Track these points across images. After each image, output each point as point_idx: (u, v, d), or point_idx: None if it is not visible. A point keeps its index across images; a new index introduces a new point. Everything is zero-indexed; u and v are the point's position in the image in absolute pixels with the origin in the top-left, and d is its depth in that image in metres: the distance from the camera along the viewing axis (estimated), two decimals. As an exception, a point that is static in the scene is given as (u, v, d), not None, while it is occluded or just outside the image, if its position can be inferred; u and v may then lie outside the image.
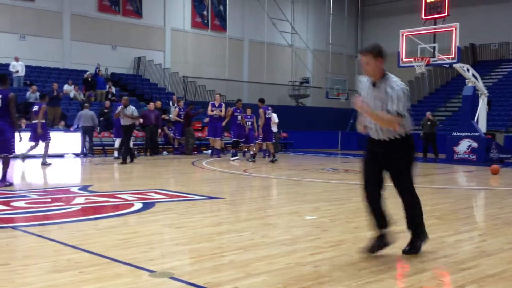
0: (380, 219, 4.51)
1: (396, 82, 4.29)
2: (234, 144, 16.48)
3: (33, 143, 13.42)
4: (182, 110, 18.61)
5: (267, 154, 17.37)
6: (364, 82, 4.50)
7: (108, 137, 18.38)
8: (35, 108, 13.47)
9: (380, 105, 4.28)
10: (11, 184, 8.87)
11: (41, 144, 13.46)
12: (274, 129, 17.05)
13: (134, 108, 14.47)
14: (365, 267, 3.97)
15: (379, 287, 3.50)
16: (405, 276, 3.88)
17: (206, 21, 28.70)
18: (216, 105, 17.15)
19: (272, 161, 15.43)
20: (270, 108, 16.35)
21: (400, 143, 4.40)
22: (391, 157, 4.46)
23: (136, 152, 16.48)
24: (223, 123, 17.22)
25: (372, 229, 4.50)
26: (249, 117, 16.99)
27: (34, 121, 13.44)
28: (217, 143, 17.37)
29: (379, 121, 4.28)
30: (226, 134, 19.90)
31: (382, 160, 4.50)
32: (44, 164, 13.33)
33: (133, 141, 15.46)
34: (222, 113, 16.97)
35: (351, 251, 4.49)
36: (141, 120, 16.80)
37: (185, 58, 27.95)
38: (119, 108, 14.60)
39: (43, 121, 13.23)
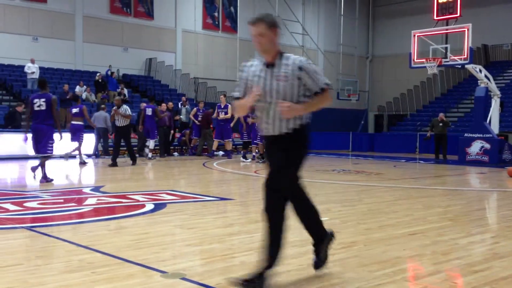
0: (273, 244, 3.58)
1: (299, 58, 3.56)
2: (245, 145, 16.50)
3: (76, 143, 14.43)
4: (201, 111, 18.48)
5: None
6: (252, 66, 3.64)
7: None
8: (75, 110, 14.39)
9: (285, 90, 3.49)
10: (51, 180, 9.66)
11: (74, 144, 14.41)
12: None
13: (127, 107, 14.06)
14: (377, 269, 3.95)
15: (391, 289, 3.48)
16: (418, 278, 3.85)
17: (217, 23, 28.76)
18: (222, 106, 17.10)
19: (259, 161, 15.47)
20: None
21: (294, 136, 3.66)
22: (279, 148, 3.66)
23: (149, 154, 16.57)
24: (232, 124, 17.23)
25: (261, 257, 3.58)
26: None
27: (74, 122, 14.37)
28: (228, 145, 17.37)
29: (314, 108, 3.62)
30: (236, 135, 19.98)
31: None
32: (82, 163, 14.22)
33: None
34: (229, 115, 16.88)
35: (362, 253, 4.47)
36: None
37: (196, 59, 28.03)
38: (113, 109, 14.49)
39: (81, 122, 14.43)
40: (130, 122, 14.18)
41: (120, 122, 13.88)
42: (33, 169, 10.09)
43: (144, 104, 18.34)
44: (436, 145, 19.06)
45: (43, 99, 9.41)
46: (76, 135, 14.26)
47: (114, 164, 13.42)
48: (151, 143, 16.83)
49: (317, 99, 3.58)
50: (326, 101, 3.64)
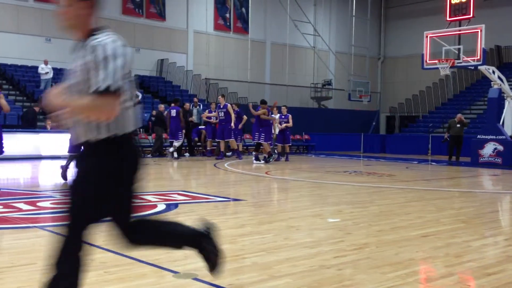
0: None
1: (102, 38, 2.54)
2: (257, 146, 16.49)
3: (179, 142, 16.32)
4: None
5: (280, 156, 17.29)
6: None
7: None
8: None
9: (76, 82, 2.56)
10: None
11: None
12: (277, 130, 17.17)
13: None
14: (389, 271, 3.93)
15: (403, 291, 3.47)
16: (430, 280, 3.83)
17: (228, 24, 28.81)
18: (221, 106, 17.04)
19: (266, 161, 15.47)
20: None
21: (98, 150, 2.61)
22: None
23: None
24: (240, 126, 17.17)
25: None
26: (283, 116, 17.07)
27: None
28: (232, 143, 17.17)
29: (85, 111, 2.50)
30: (247, 136, 20.00)
31: None
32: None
33: None
34: (233, 117, 16.82)
35: (375, 255, 4.45)
36: None
37: (207, 60, 28.09)
38: None
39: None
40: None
41: None
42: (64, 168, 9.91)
43: (163, 106, 18.36)
44: (450, 147, 18.85)
45: None
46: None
47: None
48: (176, 144, 16.87)
49: (89, 100, 2.43)
50: (100, 110, 2.44)
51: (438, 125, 27.12)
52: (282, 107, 17.57)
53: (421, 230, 5.60)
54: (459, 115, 19.30)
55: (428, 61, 19.49)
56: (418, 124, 28.75)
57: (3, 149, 8.78)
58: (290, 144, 18.02)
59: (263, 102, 16.41)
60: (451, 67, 19.29)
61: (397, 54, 34.36)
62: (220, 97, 17.64)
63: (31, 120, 17.23)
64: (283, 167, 14.88)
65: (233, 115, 16.80)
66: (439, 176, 13.42)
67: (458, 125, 18.61)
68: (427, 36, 19.52)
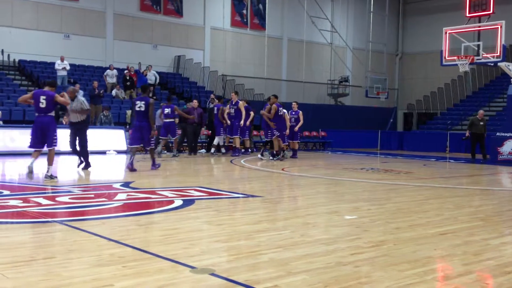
0: None
1: None
2: (266, 143, 16.37)
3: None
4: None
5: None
6: None
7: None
8: (167, 110, 16.05)
9: None
10: (159, 166, 11.73)
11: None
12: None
13: (83, 99, 11.52)
14: (407, 268, 3.91)
15: (421, 289, 3.45)
16: (448, 278, 3.80)
17: (245, 20, 28.79)
18: (233, 103, 16.94)
19: (278, 159, 15.26)
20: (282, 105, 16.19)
21: None
22: None
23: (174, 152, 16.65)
24: (248, 122, 16.93)
25: None
26: (293, 112, 16.90)
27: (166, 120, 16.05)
28: (236, 141, 17.00)
29: None
30: (257, 132, 19.93)
31: None
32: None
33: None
34: (243, 115, 16.65)
35: (392, 252, 4.43)
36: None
37: (224, 56, 28.12)
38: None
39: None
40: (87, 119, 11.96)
41: (74, 117, 11.35)
42: (130, 166, 11.15)
43: (196, 102, 17.92)
44: (473, 145, 18.38)
45: (143, 102, 11.29)
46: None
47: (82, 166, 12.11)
48: (216, 140, 16.85)
49: None
50: None
51: (456, 122, 26.85)
52: (293, 103, 17.36)
53: (439, 228, 5.56)
54: (481, 112, 18.89)
55: (447, 58, 19.30)
56: (436, 121, 28.50)
57: (56, 143, 9.66)
58: (299, 141, 17.73)
59: (269, 98, 16.00)
60: (470, 63, 19.08)
61: (415, 51, 34.05)
62: (233, 93, 17.55)
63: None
64: (300, 164, 14.85)
65: (243, 113, 16.64)
66: (457, 174, 13.29)
67: (482, 123, 18.18)
68: (446, 32, 19.32)
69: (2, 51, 21.18)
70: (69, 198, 7.16)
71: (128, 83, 21.83)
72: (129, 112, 19.77)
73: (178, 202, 6.88)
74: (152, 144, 11.80)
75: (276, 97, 15.80)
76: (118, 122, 19.58)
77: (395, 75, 35.03)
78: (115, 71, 21.72)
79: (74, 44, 23.35)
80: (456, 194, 8.74)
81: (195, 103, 17.97)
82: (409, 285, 3.53)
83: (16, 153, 15.37)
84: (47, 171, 9.46)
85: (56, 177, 9.57)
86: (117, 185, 8.71)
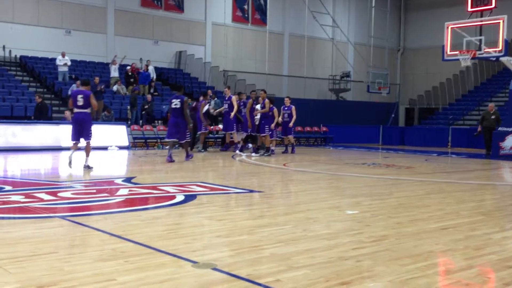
0: None
1: None
2: (251, 139, 16.26)
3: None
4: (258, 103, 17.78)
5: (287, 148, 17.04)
6: None
7: (150, 130, 18.69)
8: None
9: None
10: (191, 157, 13.06)
11: None
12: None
13: None
14: (408, 263, 3.91)
15: (423, 284, 3.45)
16: (450, 272, 3.81)
17: (246, 15, 28.75)
18: (226, 98, 16.82)
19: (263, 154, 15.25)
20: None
21: None
22: None
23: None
24: (231, 114, 16.42)
25: None
26: (286, 108, 16.76)
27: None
28: (234, 136, 16.85)
29: None
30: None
31: None
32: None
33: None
34: (235, 108, 16.37)
35: (394, 247, 4.43)
36: None
37: (225, 52, 28.08)
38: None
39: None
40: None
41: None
42: (169, 158, 12.38)
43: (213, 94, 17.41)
44: (486, 139, 17.86)
45: (179, 100, 12.52)
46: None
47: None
48: (239, 136, 16.57)
49: None
50: None
51: (458, 117, 26.81)
52: (285, 99, 17.18)
53: (441, 223, 5.56)
54: (491, 105, 18.67)
55: (448, 52, 19.27)
56: (438, 116, 28.46)
57: (91, 136, 10.60)
58: (293, 136, 17.35)
59: (256, 96, 16.23)
60: (472, 58, 19.05)
61: (417, 46, 33.97)
62: (226, 88, 17.44)
63: (38, 112, 17.23)
64: (301, 159, 14.85)
65: (235, 107, 16.43)
66: (459, 169, 13.29)
67: (493, 117, 17.96)
68: (448, 27, 19.28)
69: (4, 47, 21.18)
70: (71, 194, 7.17)
71: (131, 80, 21.80)
72: (128, 108, 19.78)
73: (179, 198, 6.89)
74: (188, 138, 13.22)
75: (265, 92, 16.09)
76: (119, 118, 19.60)
77: (397, 70, 34.96)
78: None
79: (75, 40, 23.33)
80: (457, 189, 8.74)
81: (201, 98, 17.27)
82: (411, 279, 3.53)
83: (18, 148, 15.40)
84: (85, 161, 10.51)
85: (92, 167, 10.53)
86: (119, 181, 8.73)
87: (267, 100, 15.55)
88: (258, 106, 16.11)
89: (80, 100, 10.31)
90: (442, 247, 4.50)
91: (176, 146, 13.71)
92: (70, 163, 10.15)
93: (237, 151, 15.90)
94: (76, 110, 10.43)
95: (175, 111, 12.61)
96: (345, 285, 3.38)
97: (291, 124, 16.62)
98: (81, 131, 10.42)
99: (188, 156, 13.14)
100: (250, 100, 16.16)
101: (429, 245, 4.53)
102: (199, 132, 16.65)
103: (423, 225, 5.44)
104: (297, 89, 29.53)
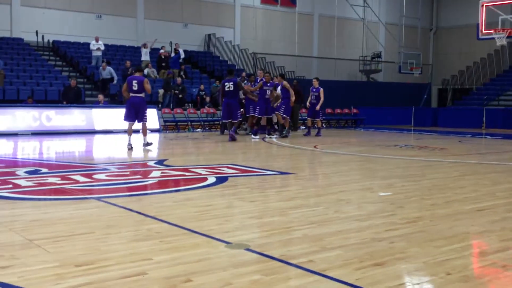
0: None
1: None
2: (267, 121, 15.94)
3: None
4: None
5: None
6: None
7: (180, 113, 18.82)
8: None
9: None
10: (234, 139, 13.66)
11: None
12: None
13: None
14: (443, 244, 3.87)
15: (459, 265, 3.41)
16: (486, 254, 3.75)
17: (276, -3, 28.51)
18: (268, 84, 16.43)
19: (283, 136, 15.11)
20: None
21: None
22: None
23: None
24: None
25: None
26: (314, 89, 16.50)
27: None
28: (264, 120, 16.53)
29: None
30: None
31: None
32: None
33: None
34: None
35: (428, 228, 4.38)
36: None
37: (254, 34, 27.97)
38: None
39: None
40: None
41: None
42: (232, 136, 13.66)
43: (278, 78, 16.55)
44: None
45: (231, 82, 13.81)
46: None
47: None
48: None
49: None
50: None
51: (493, 98, 26.21)
52: (313, 80, 16.90)
53: (476, 204, 5.47)
54: None
55: (483, 31, 18.85)
56: (472, 96, 27.88)
57: (146, 118, 11.55)
58: (321, 119, 17.04)
59: (282, 75, 16.00)
60: (507, 37, 18.55)
61: (450, 25, 33.21)
62: (260, 71, 17.03)
63: (73, 96, 17.50)
64: (332, 141, 14.77)
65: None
66: (494, 150, 13.02)
67: None
68: (482, 5, 18.80)
69: (37, 32, 21.52)
70: (106, 176, 7.30)
71: (163, 64, 21.90)
72: (161, 91, 19.93)
73: (211, 180, 6.94)
74: (240, 118, 14.42)
75: (282, 76, 15.95)
76: (150, 101, 19.76)
77: (429, 50, 34.30)
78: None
79: (106, 24, 23.56)
80: (493, 170, 8.57)
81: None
82: (446, 261, 3.49)
83: (53, 132, 15.73)
84: (144, 140, 11.63)
85: (151, 143, 11.89)
86: (152, 163, 8.84)
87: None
88: (278, 89, 15.84)
89: (135, 85, 11.21)
90: (478, 229, 4.43)
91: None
92: (131, 148, 11.10)
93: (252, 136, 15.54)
94: (131, 94, 11.31)
95: (228, 93, 13.84)
96: (379, 266, 3.36)
97: (318, 107, 16.22)
98: (137, 113, 11.35)
99: (233, 136, 13.73)
100: (260, 82, 15.61)
101: (465, 227, 4.47)
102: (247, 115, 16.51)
103: (458, 206, 5.36)
104: (327, 71, 29.28)
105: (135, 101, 11.30)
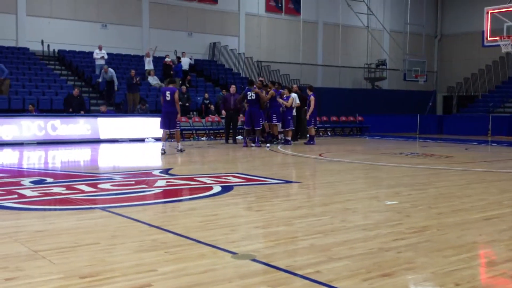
0: None
1: None
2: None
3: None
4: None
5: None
6: None
7: (185, 122, 18.83)
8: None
9: None
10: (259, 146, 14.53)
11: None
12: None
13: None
14: (452, 254, 3.82)
15: (467, 275, 3.36)
16: (495, 264, 3.70)
17: (280, 5, 28.59)
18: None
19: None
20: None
21: None
22: None
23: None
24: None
25: None
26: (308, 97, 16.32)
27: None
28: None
29: None
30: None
31: None
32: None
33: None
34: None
35: (435, 237, 4.34)
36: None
37: (259, 42, 28.02)
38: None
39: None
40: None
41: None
42: (245, 143, 14.77)
43: (233, 88, 16.83)
44: None
45: (253, 92, 14.65)
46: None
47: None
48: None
49: None
50: None
51: (498, 105, 26.12)
52: (307, 88, 16.64)
53: (484, 213, 5.42)
54: None
55: (488, 38, 18.81)
56: (478, 104, 27.79)
57: (179, 126, 12.84)
58: (313, 127, 16.34)
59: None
60: (513, 43, 18.49)
61: (455, 32, 33.18)
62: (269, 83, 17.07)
63: (76, 105, 17.46)
64: (337, 149, 14.73)
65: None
66: (501, 157, 12.95)
67: None
68: (487, 12, 18.78)
69: (42, 41, 21.64)
70: (111, 185, 7.29)
71: (171, 72, 21.91)
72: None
73: (216, 189, 6.92)
74: (261, 126, 15.00)
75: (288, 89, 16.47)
76: (155, 110, 19.81)
77: (434, 58, 34.26)
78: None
79: (111, 33, 23.67)
80: (500, 178, 8.51)
81: (232, 88, 17.14)
82: (455, 271, 3.45)
83: (58, 141, 15.75)
84: (177, 147, 12.78)
85: (184, 150, 12.88)
86: (157, 172, 8.82)
87: (271, 91, 15.34)
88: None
89: (168, 96, 12.38)
90: (486, 238, 4.38)
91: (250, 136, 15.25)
92: (164, 153, 12.26)
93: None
94: (164, 105, 12.51)
95: (251, 102, 14.73)
96: (387, 276, 3.32)
97: (307, 116, 15.95)
98: (170, 122, 12.51)
99: (257, 143, 14.72)
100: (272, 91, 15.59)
101: (473, 236, 4.42)
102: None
103: (465, 215, 5.31)
104: (332, 79, 29.29)
105: (168, 111, 12.40)
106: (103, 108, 18.06)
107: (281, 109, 15.67)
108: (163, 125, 12.62)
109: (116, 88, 19.74)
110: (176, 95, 12.41)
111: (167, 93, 12.44)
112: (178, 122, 12.65)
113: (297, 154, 12.84)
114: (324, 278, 3.28)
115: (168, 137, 13.63)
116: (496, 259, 3.85)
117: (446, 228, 4.68)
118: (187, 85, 21.73)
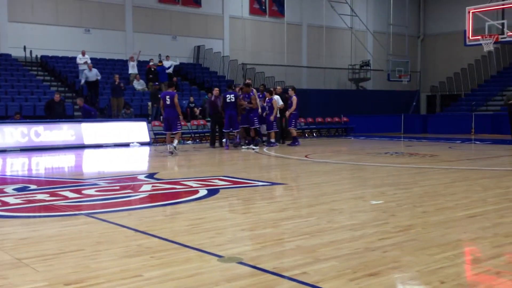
0: None
1: None
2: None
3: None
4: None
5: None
6: None
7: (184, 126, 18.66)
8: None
9: None
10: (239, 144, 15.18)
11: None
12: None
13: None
14: (436, 252, 3.85)
15: (453, 273, 3.38)
16: (480, 261, 3.73)
17: (264, 7, 28.63)
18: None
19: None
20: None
21: None
22: None
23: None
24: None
25: None
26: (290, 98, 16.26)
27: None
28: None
29: None
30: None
31: None
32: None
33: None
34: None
35: (421, 236, 4.36)
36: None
37: (243, 45, 28.03)
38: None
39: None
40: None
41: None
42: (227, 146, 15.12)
43: (217, 91, 16.33)
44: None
45: (233, 95, 14.82)
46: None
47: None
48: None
49: None
50: None
51: (481, 103, 26.39)
52: (289, 90, 16.51)
53: (468, 211, 5.47)
54: None
55: (470, 37, 18.98)
56: (461, 102, 28.05)
57: (180, 127, 13.52)
58: (293, 128, 16.42)
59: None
60: (494, 42, 18.75)
61: (437, 32, 33.46)
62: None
63: (59, 110, 17.21)
64: (323, 150, 14.77)
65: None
66: (484, 155, 13.07)
67: None
68: (469, 12, 18.97)
69: (24, 47, 21.44)
70: (95, 191, 7.23)
71: (151, 76, 21.81)
72: (149, 103, 19.89)
73: (202, 192, 6.90)
74: (239, 128, 15.25)
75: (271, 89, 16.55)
76: (140, 114, 19.73)
77: (417, 58, 34.53)
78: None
79: (95, 38, 23.52)
80: (483, 176, 8.59)
81: (216, 91, 16.97)
82: (440, 269, 3.47)
83: (42, 147, 15.60)
84: (174, 143, 13.13)
85: (177, 152, 13.22)
86: (142, 177, 8.78)
87: (253, 94, 15.28)
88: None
89: (168, 100, 12.85)
90: (471, 236, 4.42)
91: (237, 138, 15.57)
92: (171, 152, 12.88)
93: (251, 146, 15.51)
94: (165, 108, 12.99)
95: (230, 104, 14.77)
96: (373, 276, 3.33)
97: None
98: (171, 125, 13.05)
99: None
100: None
101: (457, 234, 4.46)
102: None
103: (449, 213, 5.35)
104: (317, 80, 29.38)
105: (169, 115, 12.97)
106: (79, 101, 17.83)
107: (264, 113, 15.66)
108: (166, 128, 13.24)
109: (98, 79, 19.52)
110: (176, 99, 12.79)
111: (167, 97, 12.87)
112: (179, 124, 13.15)
113: (282, 156, 12.85)
114: (311, 279, 3.28)
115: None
116: (480, 257, 3.88)
117: (431, 227, 4.71)
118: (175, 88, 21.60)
